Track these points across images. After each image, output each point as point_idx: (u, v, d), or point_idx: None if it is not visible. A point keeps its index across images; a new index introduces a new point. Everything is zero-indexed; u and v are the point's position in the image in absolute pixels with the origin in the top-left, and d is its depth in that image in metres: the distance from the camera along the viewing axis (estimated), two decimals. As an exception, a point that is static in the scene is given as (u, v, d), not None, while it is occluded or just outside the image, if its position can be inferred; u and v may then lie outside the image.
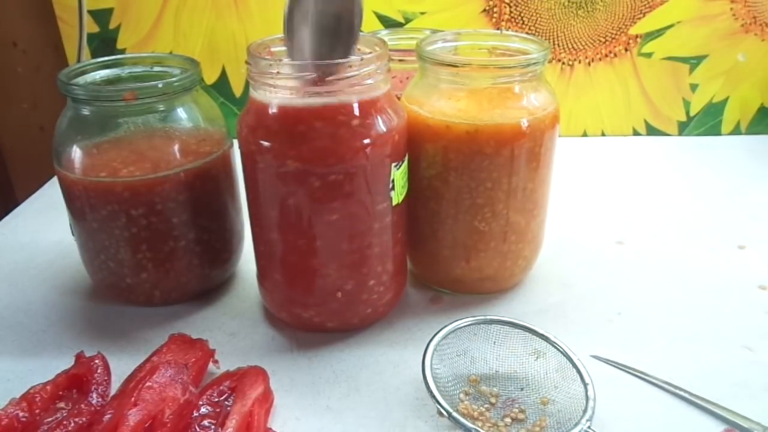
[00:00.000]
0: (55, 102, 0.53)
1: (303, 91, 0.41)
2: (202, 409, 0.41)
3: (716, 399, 0.43)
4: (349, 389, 0.45)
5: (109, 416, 0.39)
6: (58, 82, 0.47)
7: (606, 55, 0.84)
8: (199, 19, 0.83)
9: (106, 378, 0.44)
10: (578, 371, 0.42)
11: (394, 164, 0.45)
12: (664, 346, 0.49)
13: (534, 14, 0.82)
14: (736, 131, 0.89)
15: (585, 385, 0.41)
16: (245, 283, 0.57)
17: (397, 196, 0.46)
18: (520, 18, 0.82)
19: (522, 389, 0.44)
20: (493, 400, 0.43)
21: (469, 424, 0.39)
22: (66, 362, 0.45)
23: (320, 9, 0.42)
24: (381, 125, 0.43)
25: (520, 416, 0.41)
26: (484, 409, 0.42)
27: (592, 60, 0.85)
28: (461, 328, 0.45)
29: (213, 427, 0.39)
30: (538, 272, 0.57)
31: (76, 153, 0.48)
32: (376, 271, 0.48)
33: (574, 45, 0.84)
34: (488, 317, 0.46)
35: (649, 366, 0.46)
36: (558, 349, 0.44)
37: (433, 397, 0.40)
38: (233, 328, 0.51)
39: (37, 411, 0.41)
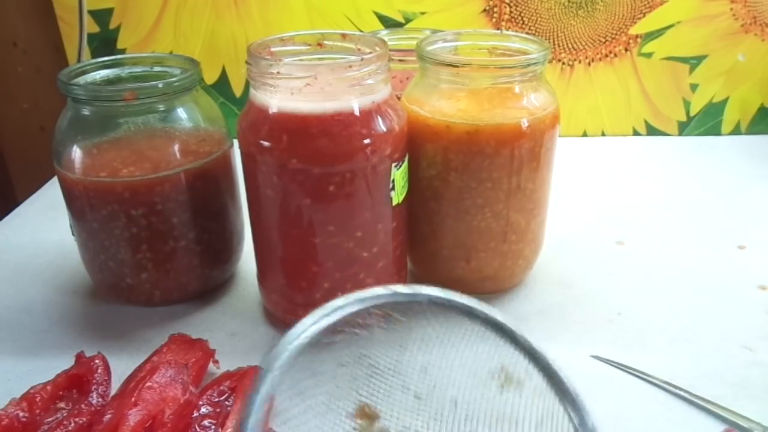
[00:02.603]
0: (55, 102, 0.53)
1: (303, 91, 0.41)
2: (203, 409, 0.40)
3: (716, 399, 0.43)
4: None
5: (109, 416, 0.39)
6: (58, 82, 0.47)
7: (606, 55, 0.84)
8: (199, 19, 0.83)
9: (106, 378, 0.44)
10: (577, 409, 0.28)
11: (394, 164, 0.45)
12: (664, 346, 0.49)
13: (534, 14, 0.82)
14: (736, 131, 0.89)
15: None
16: (245, 283, 0.57)
17: (397, 196, 0.46)
18: (520, 18, 0.82)
19: None
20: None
21: None
22: (66, 362, 0.45)
23: None
24: (381, 125, 0.43)
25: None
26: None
27: (592, 60, 0.84)
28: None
29: (213, 427, 0.39)
30: (538, 272, 0.57)
31: (76, 153, 0.48)
32: (376, 270, 0.47)
33: (574, 45, 0.84)
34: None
35: (649, 366, 0.46)
36: (542, 369, 0.28)
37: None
38: (233, 328, 0.51)
39: (38, 411, 0.41)
